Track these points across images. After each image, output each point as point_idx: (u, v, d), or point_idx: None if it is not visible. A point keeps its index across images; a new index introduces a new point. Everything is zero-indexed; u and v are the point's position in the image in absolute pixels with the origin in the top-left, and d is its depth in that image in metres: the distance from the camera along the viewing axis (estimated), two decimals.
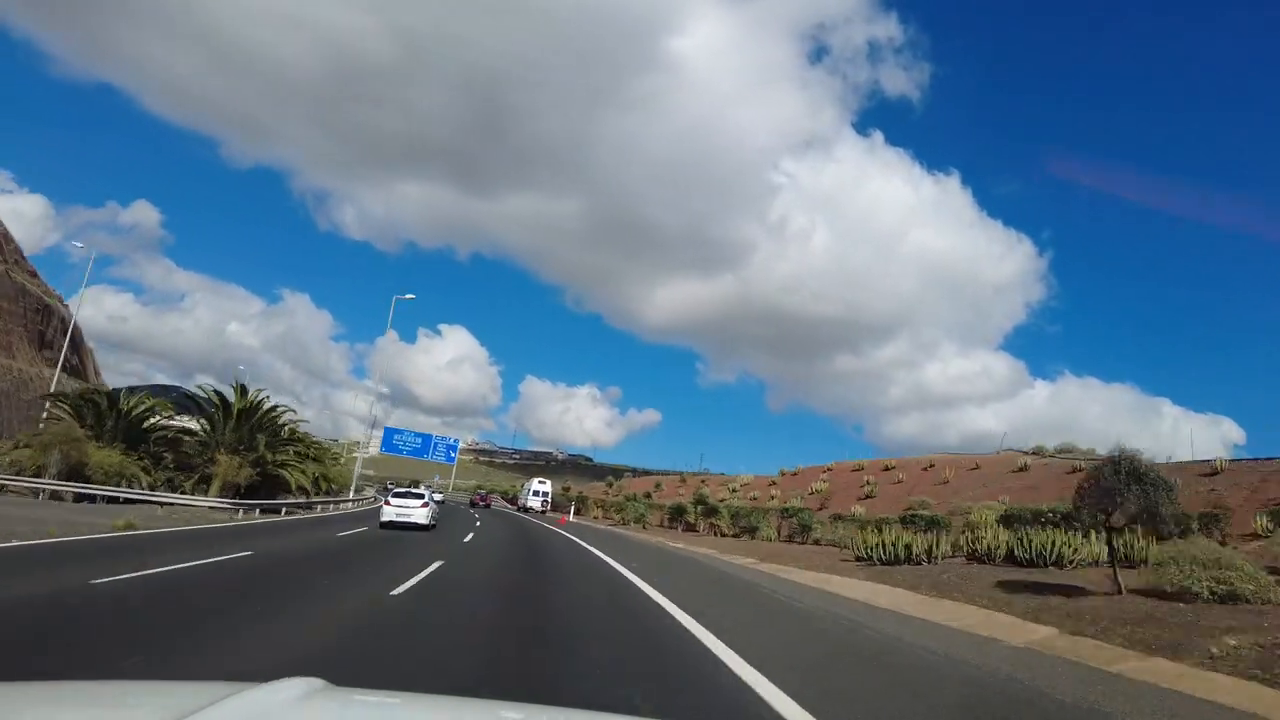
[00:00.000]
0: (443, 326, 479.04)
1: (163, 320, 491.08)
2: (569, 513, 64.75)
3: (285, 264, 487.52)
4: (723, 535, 41.22)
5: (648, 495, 70.81)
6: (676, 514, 49.75)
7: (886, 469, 53.61)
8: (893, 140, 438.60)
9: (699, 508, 48.97)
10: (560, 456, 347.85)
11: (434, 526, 27.62)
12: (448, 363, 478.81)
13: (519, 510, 74.76)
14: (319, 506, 42.36)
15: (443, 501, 50.34)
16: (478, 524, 36.60)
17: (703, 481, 75.15)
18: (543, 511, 72.36)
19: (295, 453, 40.43)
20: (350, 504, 53.95)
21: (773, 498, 55.02)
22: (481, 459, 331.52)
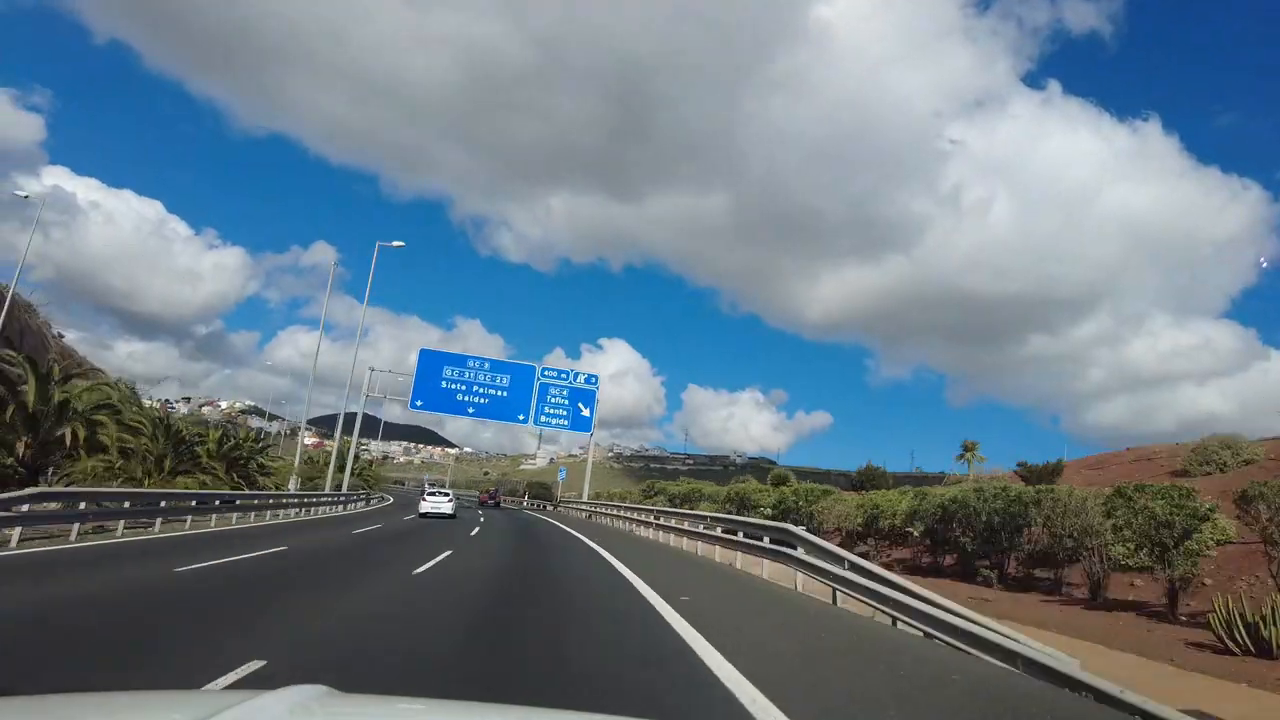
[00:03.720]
0: (603, 341, 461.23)
1: (350, 353, 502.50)
2: None
3: (455, 292, 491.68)
4: None
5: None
6: None
7: None
8: (1072, 89, 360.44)
9: None
10: (739, 460, 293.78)
11: (455, 516, 34.42)
12: (610, 376, 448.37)
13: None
14: None
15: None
16: None
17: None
18: None
19: None
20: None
21: None
22: (653, 465, 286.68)
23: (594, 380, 43.62)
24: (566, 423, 42.76)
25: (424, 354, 41.26)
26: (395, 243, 39.79)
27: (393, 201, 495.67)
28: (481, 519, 31.36)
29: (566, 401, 42.67)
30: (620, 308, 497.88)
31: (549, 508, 57.05)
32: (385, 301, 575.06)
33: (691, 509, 31.96)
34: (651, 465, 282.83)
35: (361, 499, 43.95)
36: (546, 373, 42.72)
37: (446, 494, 37.81)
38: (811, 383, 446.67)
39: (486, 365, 41.74)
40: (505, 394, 41.51)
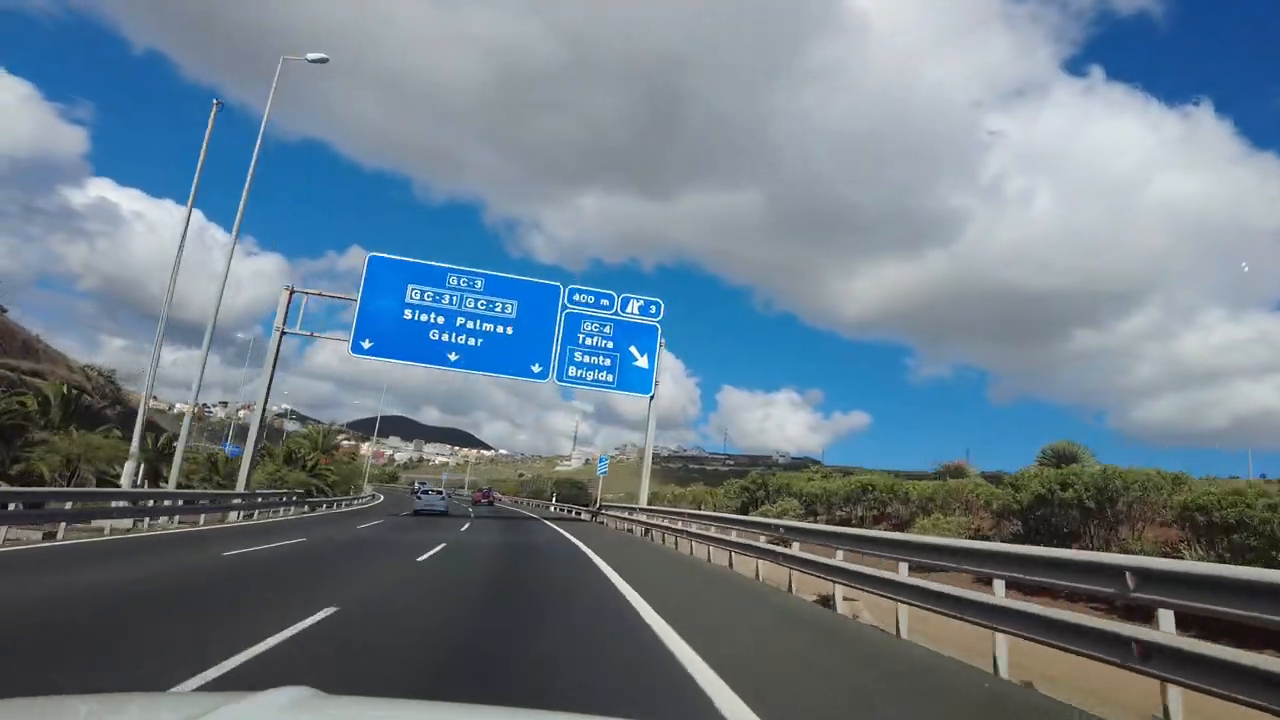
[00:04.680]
0: None
1: (387, 359, 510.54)
2: None
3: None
4: None
5: None
6: None
7: None
8: (1117, 74, 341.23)
9: None
10: (781, 460, 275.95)
11: (447, 512, 35.97)
12: None
13: None
14: None
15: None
16: None
17: None
18: None
19: None
20: None
21: None
22: (692, 466, 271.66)
23: (655, 310, 26.92)
24: (611, 379, 26.05)
25: (375, 263, 24.94)
26: (312, 55, 23.15)
27: (426, 205, 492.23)
28: (440, 546, 15.38)
29: (610, 345, 26.00)
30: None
31: (583, 515, 40.56)
32: None
33: (857, 524, 14.99)
34: (690, 466, 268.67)
35: (284, 503, 27.78)
36: (579, 297, 26.12)
37: (440, 493, 40.28)
38: (849, 382, 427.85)
39: (479, 283, 25.25)
40: (510, 331, 25.01)
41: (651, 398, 26.51)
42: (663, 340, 26.73)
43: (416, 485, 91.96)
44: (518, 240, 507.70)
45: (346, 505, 41.03)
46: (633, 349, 25.92)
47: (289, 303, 24.95)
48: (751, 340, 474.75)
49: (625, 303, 26.35)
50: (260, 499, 25.06)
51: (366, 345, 24.40)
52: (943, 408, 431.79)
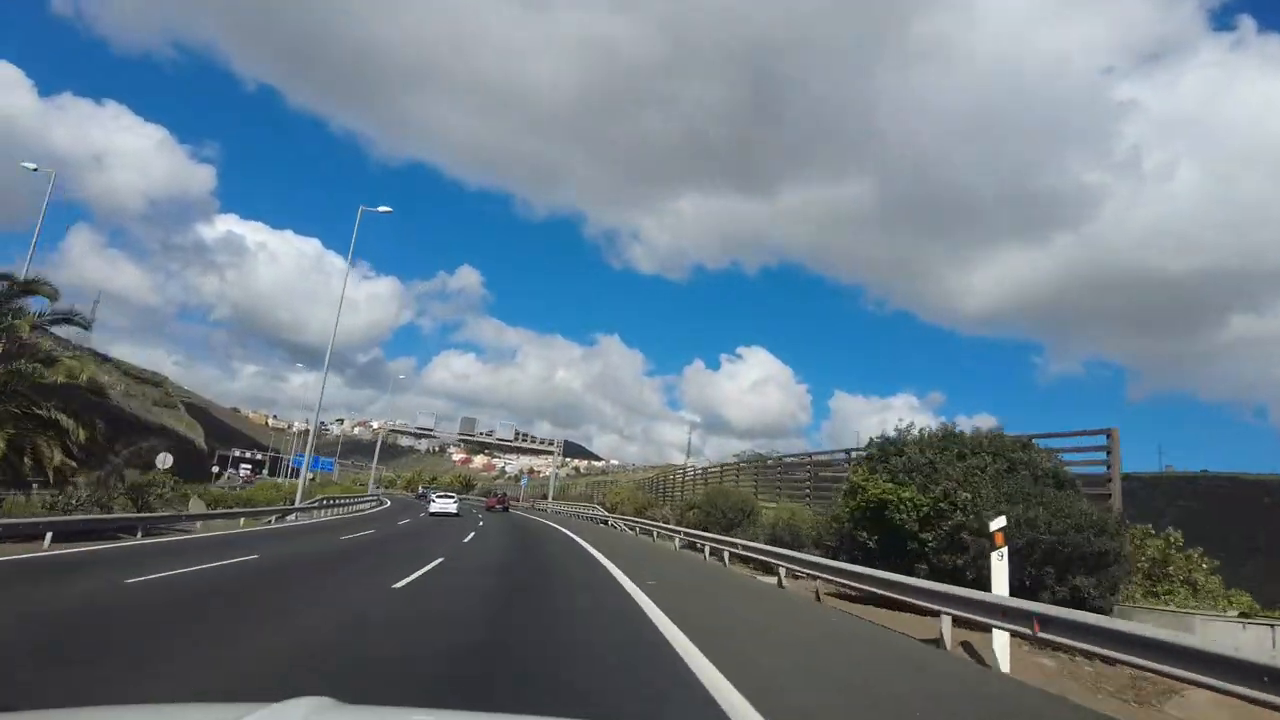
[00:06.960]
0: (741, 349, 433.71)
1: (500, 374, 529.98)
2: None
3: (592, 308, 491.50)
4: None
5: None
6: None
7: None
8: (1270, 24, 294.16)
9: None
10: None
11: (459, 515, 40.96)
12: (751, 385, 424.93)
13: None
14: None
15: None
16: None
17: None
18: None
19: None
20: None
21: None
22: (822, 475, 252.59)
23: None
24: None
25: None
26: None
27: (528, 222, 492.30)
28: None
29: None
30: (756, 313, 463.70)
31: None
32: (528, 322, 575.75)
33: None
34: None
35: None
36: None
37: (451, 496, 46.38)
38: (972, 382, 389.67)
39: None
40: None
41: None
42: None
43: (421, 490, 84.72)
44: (619, 251, 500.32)
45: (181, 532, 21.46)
46: None
47: None
48: (864, 341, 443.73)
49: None
50: None
51: None
52: (1074, 406, 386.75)
